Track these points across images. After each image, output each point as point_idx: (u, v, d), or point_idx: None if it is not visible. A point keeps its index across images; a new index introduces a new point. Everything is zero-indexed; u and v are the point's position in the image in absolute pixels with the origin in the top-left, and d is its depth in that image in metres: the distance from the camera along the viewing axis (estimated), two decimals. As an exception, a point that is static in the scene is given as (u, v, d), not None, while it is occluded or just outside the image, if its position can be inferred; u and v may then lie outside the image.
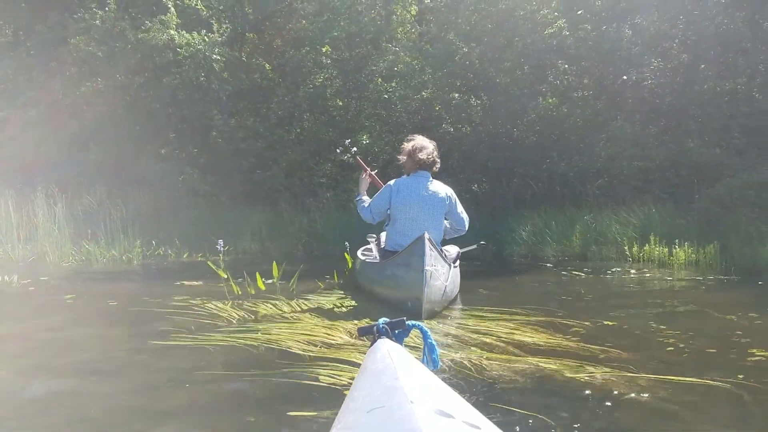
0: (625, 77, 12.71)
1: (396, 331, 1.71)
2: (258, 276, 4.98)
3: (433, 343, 1.81)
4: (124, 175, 12.60)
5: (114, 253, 9.39)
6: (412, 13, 17.64)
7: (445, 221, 4.99)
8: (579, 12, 12.35)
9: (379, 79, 14.38)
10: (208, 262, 4.86)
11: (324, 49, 15.05)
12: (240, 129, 13.72)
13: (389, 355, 1.32)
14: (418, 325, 1.77)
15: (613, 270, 7.06)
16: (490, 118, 12.01)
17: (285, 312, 4.28)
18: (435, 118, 12.47)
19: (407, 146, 4.94)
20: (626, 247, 7.89)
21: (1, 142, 12.27)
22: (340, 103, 14.91)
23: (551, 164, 10.68)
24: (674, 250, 7.10)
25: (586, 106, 12.46)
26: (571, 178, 10.38)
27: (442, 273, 4.21)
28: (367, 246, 7.21)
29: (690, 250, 6.99)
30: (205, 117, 13.37)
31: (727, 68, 12.51)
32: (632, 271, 6.98)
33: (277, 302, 4.60)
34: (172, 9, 12.48)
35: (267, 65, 14.80)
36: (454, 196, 4.95)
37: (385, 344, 1.49)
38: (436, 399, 1.04)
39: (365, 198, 5.22)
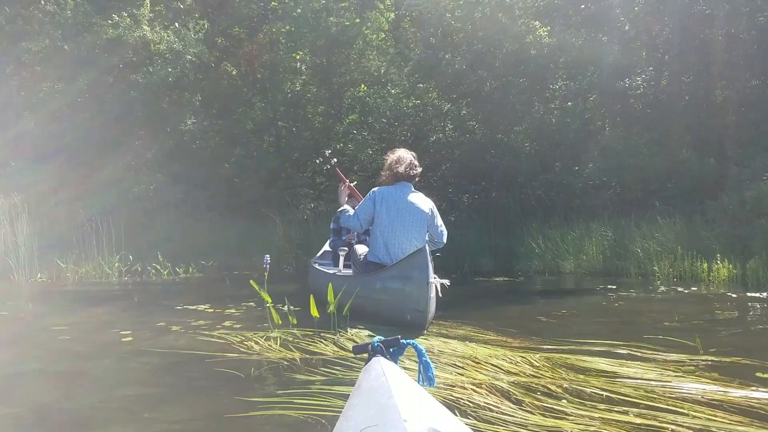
0: (619, 84, 12.44)
1: (391, 350, 1.71)
2: (312, 302, 3.75)
3: (428, 361, 1.82)
4: (91, 183, 11.55)
5: (88, 270, 8.43)
6: (388, 19, 17.19)
7: None
8: (555, 20, 12.06)
9: (363, 87, 13.81)
10: (251, 282, 4.00)
11: (297, 56, 14.43)
12: (215, 134, 12.87)
13: (384, 374, 1.32)
14: (413, 343, 1.78)
15: (660, 289, 6.37)
16: (483, 126, 11.54)
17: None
18: (426, 126, 11.91)
19: (388, 159, 4.89)
20: (654, 263, 7.45)
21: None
22: (319, 110, 14.27)
23: (553, 174, 10.25)
24: (714, 266, 6.67)
25: (575, 115, 12.18)
26: (577, 189, 9.96)
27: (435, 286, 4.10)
28: (320, 255, 6.97)
29: (731, 266, 6.58)
30: (178, 120, 12.46)
31: (713, 79, 12.39)
32: (680, 288, 6.33)
33: (338, 338, 3.62)
34: (147, 2, 11.54)
35: (234, 71, 14.03)
36: (435, 208, 4.86)
37: (379, 362, 1.48)
38: (430, 417, 1.04)
39: (348, 207, 5.03)
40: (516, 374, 2.59)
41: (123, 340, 3.70)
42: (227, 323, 4.23)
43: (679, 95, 12.54)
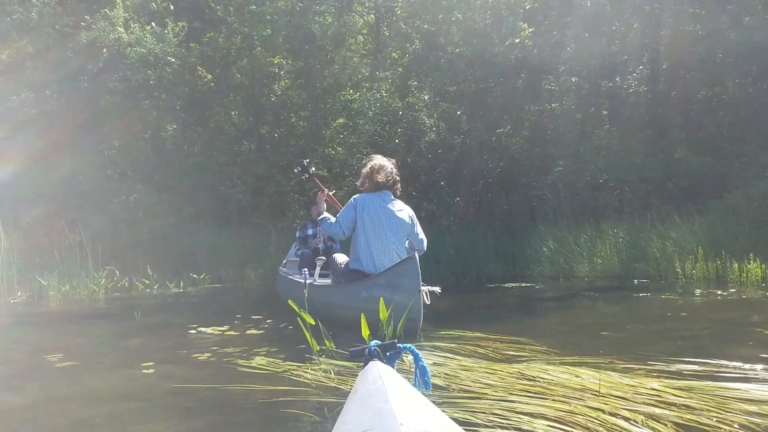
0: (611, 84, 12.29)
1: (387, 354, 1.69)
2: (363, 322, 3.13)
3: (425, 365, 1.83)
4: (68, 194, 10.87)
5: (72, 287, 7.81)
6: (369, 21, 16.86)
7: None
8: (549, 19, 11.85)
9: (350, 90, 13.40)
10: (290, 303, 3.53)
11: (275, 60, 13.96)
12: (197, 141, 12.28)
13: (380, 378, 1.31)
14: (410, 347, 1.78)
15: (697, 292, 5.98)
16: (479, 126, 11.22)
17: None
18: (419, 127, 11.53)
19: (366, 167, 4.83)
20: (677, 264, 7.16)
21: None
22: (303, 114, 13.79)
23: (555, 174, 9.97)
24: (746, 266, 6.39)
25: (570, 115, 12.00)
26: (579, 189, 9.70)
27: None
28: (284, 264, 6.91)
29: (764, 266, 6.32)
30: (158, 127, 11.85)
31: (706, 76, 12.30)
32: (719, 291, 5.92)
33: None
34: (119, 3, 10.91)
35: (209, 76, 13.45)
36: (414, 216, 4.84)
37: (376, 367, 1.48)
38: (426, 421, 1.05)
39: (328, 215, 4.97)
40: (675, 410, 2.14)
41: (144, 372, 3.18)
42: (258, 349, 3.74)
43: (671, 94, 12.44)
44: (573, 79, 11.78)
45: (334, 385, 2.77)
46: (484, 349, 3.43)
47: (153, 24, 11.88)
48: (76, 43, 10.89)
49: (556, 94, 12.35)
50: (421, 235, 4.84)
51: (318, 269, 5.42)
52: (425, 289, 4.04)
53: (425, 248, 4.84)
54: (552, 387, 2.34)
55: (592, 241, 8.17)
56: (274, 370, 3.11)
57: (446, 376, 2.68)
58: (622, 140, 11.50)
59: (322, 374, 2.96)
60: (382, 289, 4.07)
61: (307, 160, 5.94)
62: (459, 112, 11.47)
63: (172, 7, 13.32)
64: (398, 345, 1.78)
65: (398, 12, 16.46)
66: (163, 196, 11.48)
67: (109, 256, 8.94)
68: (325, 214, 4.97)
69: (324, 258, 5.48)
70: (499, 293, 6.87)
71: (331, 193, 5.56)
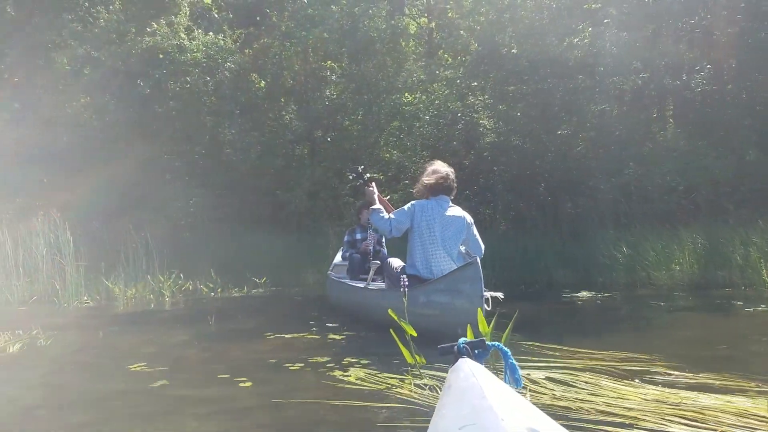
0: (678, 82, 11.81)
1: (476, 351, 1.70)
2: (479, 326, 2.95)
3: (515, 363, 1.82)
4: (127, 198, 11.02)
5: (138, 291, 7.84)
6: (421, 24, 16.69)
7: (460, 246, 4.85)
8: (613, 18, 11.45)
9: (406, 93, 13.26)
10: (390, 312, 3.39)
11: (328, 64, 13.95)
12: (255, 145, 12.29)
13: (473, 375, 1.31)
14: (499, 345, 1.79)
15: None
16: (540, 127, 10.92)
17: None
18: (478, 128, 11.28)
19: (423, 173, 4.87)
20: (764, 272, 6.76)
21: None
22: (357, 118, 13.69)
23: (624, 178, 9.60)
24: None
25: (634, 116, 11.58)
26: (649, 193, 9.31)
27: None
28: (332, 269, 6.95)
29: None
30: (218, 132, 11.91)
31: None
32: None
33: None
34: (185, 8, 10.99)
35: (262, 82, 13.47)
36: (472, 221, 4.83)
37: (467, 364, 1.47)
38: (526, 417, 1.04)
39: (382, 207, 4.95)
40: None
41: (241, 385, 3.06)
42: (348, 358, 3.59)
43: (741, 94, 11.91)
44: (640, 77, 11.36)
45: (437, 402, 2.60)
46: (597, 365, 3.19)
47: (211, 33, 11.97)
48: (138, 49, 11.01)
49: (619, 94, 11.97)
50: (479, 240, 4.82)
51: (371, 273, 5.43)
52: (487, 294, 3.99)
53: (482, 253, 4.79)
54: (707, 413, 2.11)
55: (669, 246, 7.79)
56: (375, 385, 2.95)
57: (574, 399, 2.47)
58: (689, 142, 11.06)
59: (428, 391, 2.79)
60: (442, 294, 4.08)
61: (362, 167, 5.93)
62: (519, 114, 11.19)
63: (231, 15, 13.42)
64: (488, 343, 1.77)
65: (449, 15, 16.32)
66: (221, 201, 11.54)
67: (171, 259, 8.96)
68: (379, 206, 4.96)
69: (378, 262, 5.44)
70: (579, 302, 6.56)
71: (386, 198, 5.48)
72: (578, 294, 7.03)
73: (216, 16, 12.75)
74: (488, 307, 3.98)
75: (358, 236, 6.74)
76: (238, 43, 12.13)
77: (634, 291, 7.33)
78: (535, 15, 11.77)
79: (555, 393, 2.52)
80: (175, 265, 8.77)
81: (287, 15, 13.71)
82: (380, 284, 5.45)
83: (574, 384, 2.70)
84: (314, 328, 4.87)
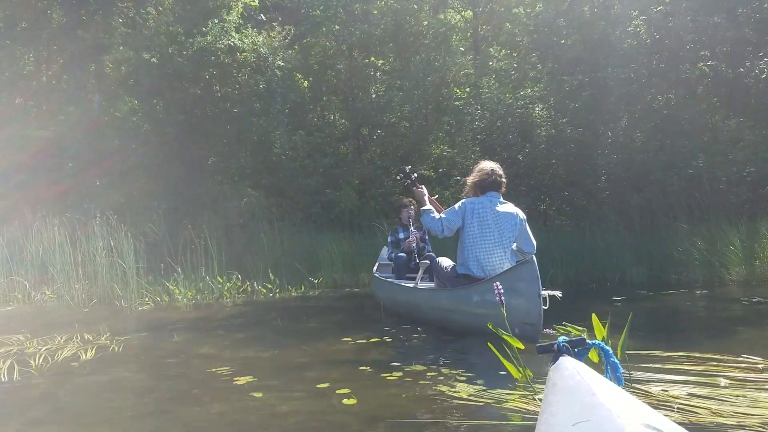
0: (742, 69, 11.26)
1: (576, 349, 1.68)
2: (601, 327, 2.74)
3: (616, 361, 1.82)
4: (182, 199, 11.00)
5: (198, 292, 7.76)
6: (465, 17, 16.37)
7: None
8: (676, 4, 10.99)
9: (456, 89, 13.01)
10: (489, 325, 3.17)
11: (378, 62, 13.80)
12: (304, 144, 12.18)
13: (578, 373, 1.30)
14: (599, 343, 1.84)
15: None
16: (596, 119, 10.54)
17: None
18: (534, 121, 10.94)
19: (472, 172, 4.89)
20: None
21: (39, 163, 10.63)
22: (403, 114, 13.47)
23: (694, 169, 9.16)
24: None
25: (696, 105, 11.10)
26: (722, 185, 8.87)
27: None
28: (377, 269, 6.92)
29: None
30: (267, 132, 11.82)
31: None
32: None
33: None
34: (238, 7, 10.88)
35: (305, 82, 13.35)
36: (524, 217, 4.78)
37: (569, 362, 1.45)
38: (641, 414, 1.02)
39: (432, 208, 4.92)
40: None
41: (345, 402, 2.82)
42: (449, 370, 3.33)
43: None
44: (706, 65, 10.86)
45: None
46: (731, 372, 2.90)
47: (262, 31, 11.89)
48: (189, 50, 10.96)
49: (680, 83, 11.50)
50: (531, 237, 4.75)
51: (420, 272, 5.41)
52: (545, 293, 3.92)
53: (535, 250, 4.72)
54: None
55: (747, 240, 7.37)
56: (479, 401, 2.71)
57: (734, 414, 2.20)
58: (754, 131, 10.54)
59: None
60: (494, 293, 3.86)
61: (409, 167, 5.82)
62: (576, 104, 10.82)
63: (280, 18, 13.34)
64: (588, 341, 1.77)
65: (494, 7, 15.99)
66: (272, 200, 11.46)
67: (228, 260, 8.88)
68: (430, 206, 4.91)
69: (427, 261, 5.38)
70: (664, 301, 6.18)
71: (434, 198, 5.45)
72: (659, 293, 6.64)
73: (263, 17, 12.65)
74: (546, 306, 3.91)
75: (401, 236, 6.64)
76: (287, 40, 12.00)
77: (714, 289, 6.91)
78: (592, 2, 11.40)
79: (711, 408, 2.25)
80: (231, 265, 8.69)
81: (331, 13, 13.59)
82: (429, 283, 5.41)
83: (723, 398, 2.42)
84: (393, 331, 4.67)
